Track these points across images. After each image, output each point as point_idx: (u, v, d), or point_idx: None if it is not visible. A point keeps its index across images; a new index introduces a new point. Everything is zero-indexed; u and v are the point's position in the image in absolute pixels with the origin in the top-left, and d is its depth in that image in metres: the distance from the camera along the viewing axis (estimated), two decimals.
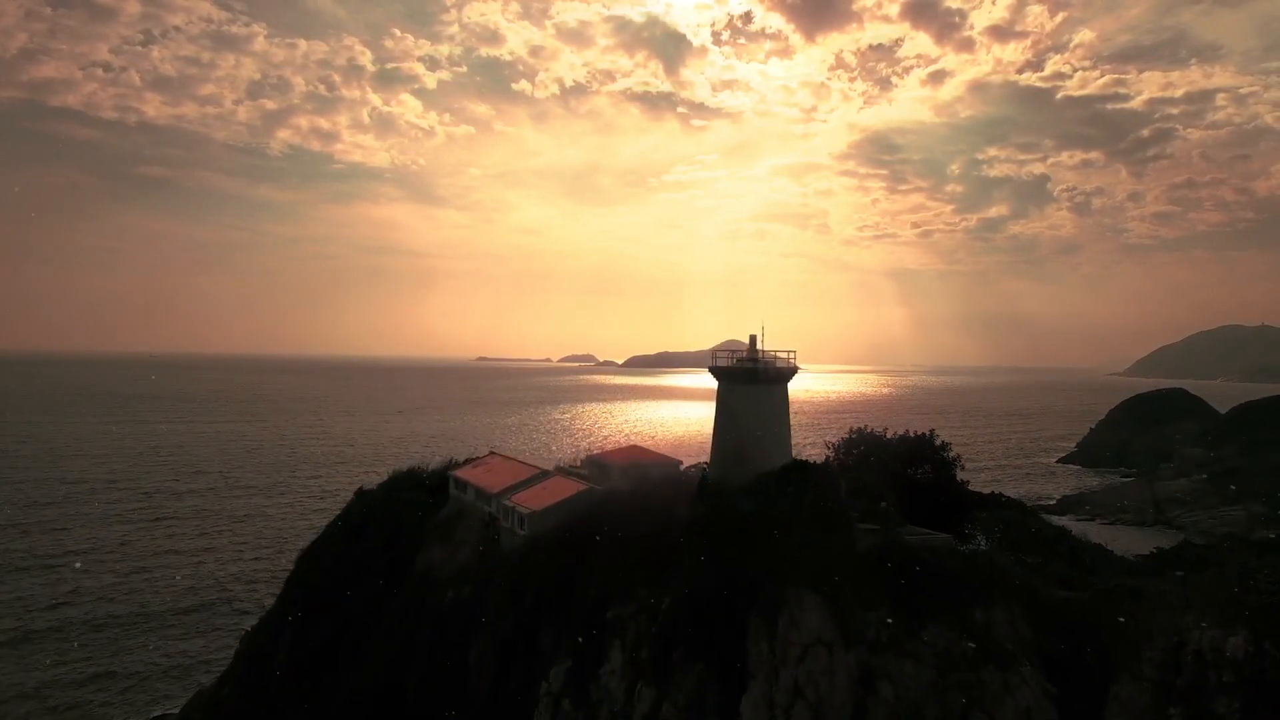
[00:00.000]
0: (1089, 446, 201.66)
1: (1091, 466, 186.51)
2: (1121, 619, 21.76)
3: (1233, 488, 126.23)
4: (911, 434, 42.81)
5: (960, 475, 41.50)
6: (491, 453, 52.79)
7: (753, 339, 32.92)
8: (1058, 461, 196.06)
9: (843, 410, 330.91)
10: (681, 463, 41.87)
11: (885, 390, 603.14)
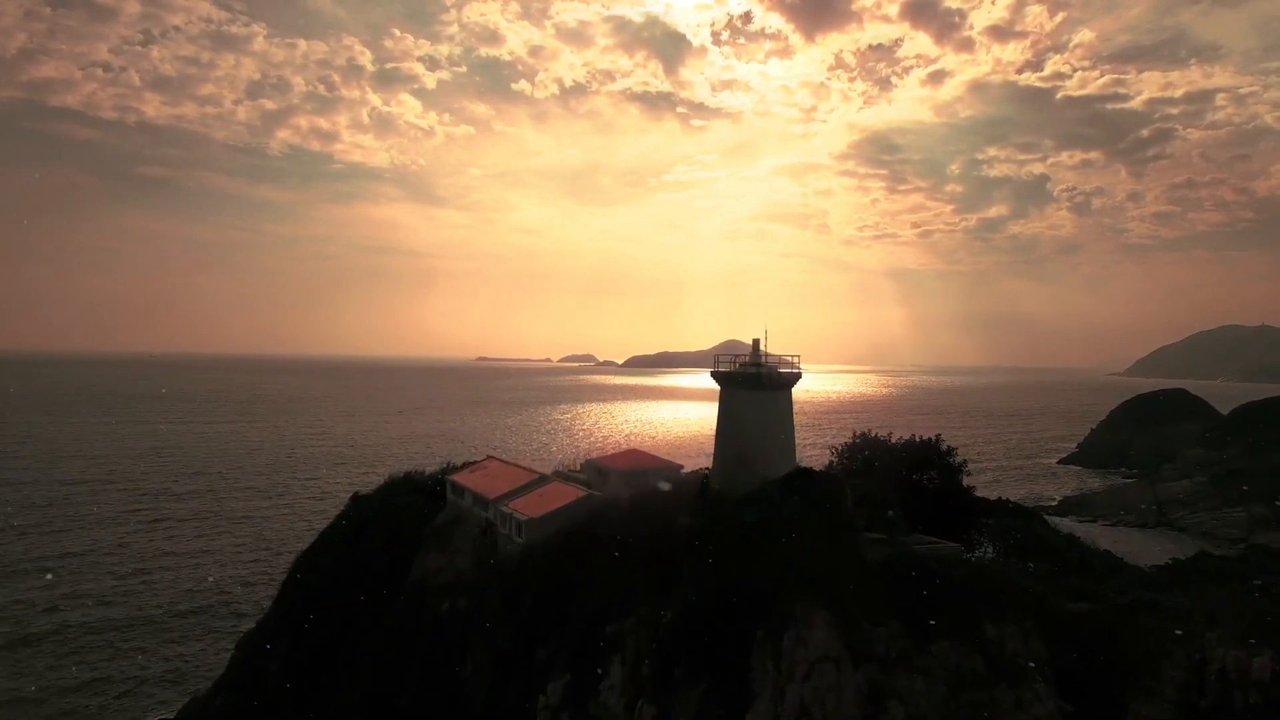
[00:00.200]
0: (1090, 447, 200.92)
1: (1093, 467, 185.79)
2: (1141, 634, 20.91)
3: (1245, 488, 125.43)
4: (917, 439, 42.03)
5: (964, 479, 40.71)
6: (489, 457, 52.01)
7: (756, 343, 32.14)
8: (1059, 462, 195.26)
9: (843, 411, 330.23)
10: (682, 467, 41.16)
11: (885, 390, 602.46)
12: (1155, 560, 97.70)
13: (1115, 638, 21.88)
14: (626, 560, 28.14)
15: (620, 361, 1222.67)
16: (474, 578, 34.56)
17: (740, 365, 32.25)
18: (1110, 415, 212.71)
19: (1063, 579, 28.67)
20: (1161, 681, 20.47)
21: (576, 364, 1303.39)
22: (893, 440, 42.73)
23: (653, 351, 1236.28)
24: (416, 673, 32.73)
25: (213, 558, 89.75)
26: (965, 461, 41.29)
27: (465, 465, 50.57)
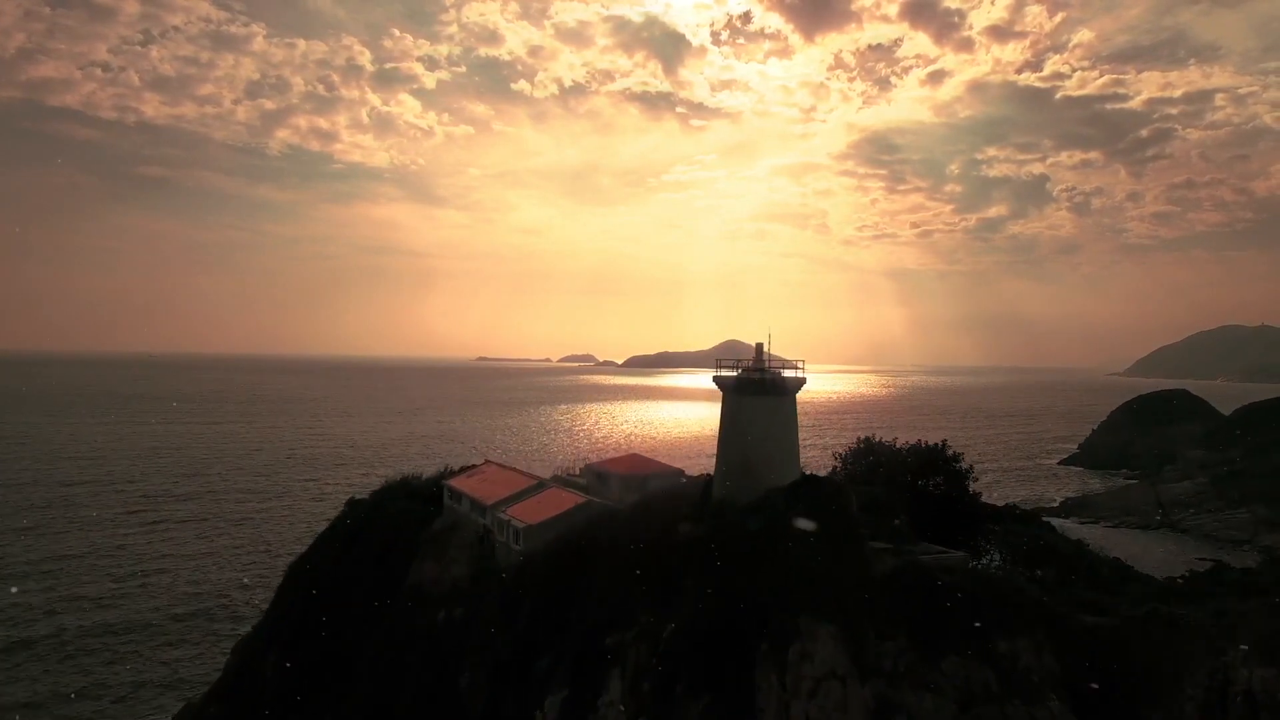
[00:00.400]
0: (1091, 448, 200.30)
1: (1094, 468, 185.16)
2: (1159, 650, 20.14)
3: (1247, 489, 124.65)
4: (923, 444, 41.30)
5: (970, 485, 40.01)
6: (487, 461, 51.34)
7: (759, 348, 31.40)
8: (1060, 463, 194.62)
9: (843, 412, 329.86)
10: (684, 473, 40.48)
11: (885, 391, 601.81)
12: (1158, 562, 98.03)
13: (1131, 653, 21.14)
14: (626, 569, 27.43)
15: (620, 362, 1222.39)
16: (471, 586, 33.86)
17: (744, 370, 31.52)
18: (1111, 416, 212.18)
19: (1073, 589, 27.98)
20: (1182, 700, 19.73)
21: (576, 364, 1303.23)
22: (898, 445, 42.02)
23: (652, 351, 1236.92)
24: (413, 683, 32.04)
25: (211, 560, 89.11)
26: (971, 467, 40.58)
27: (463, 470, 49.88)
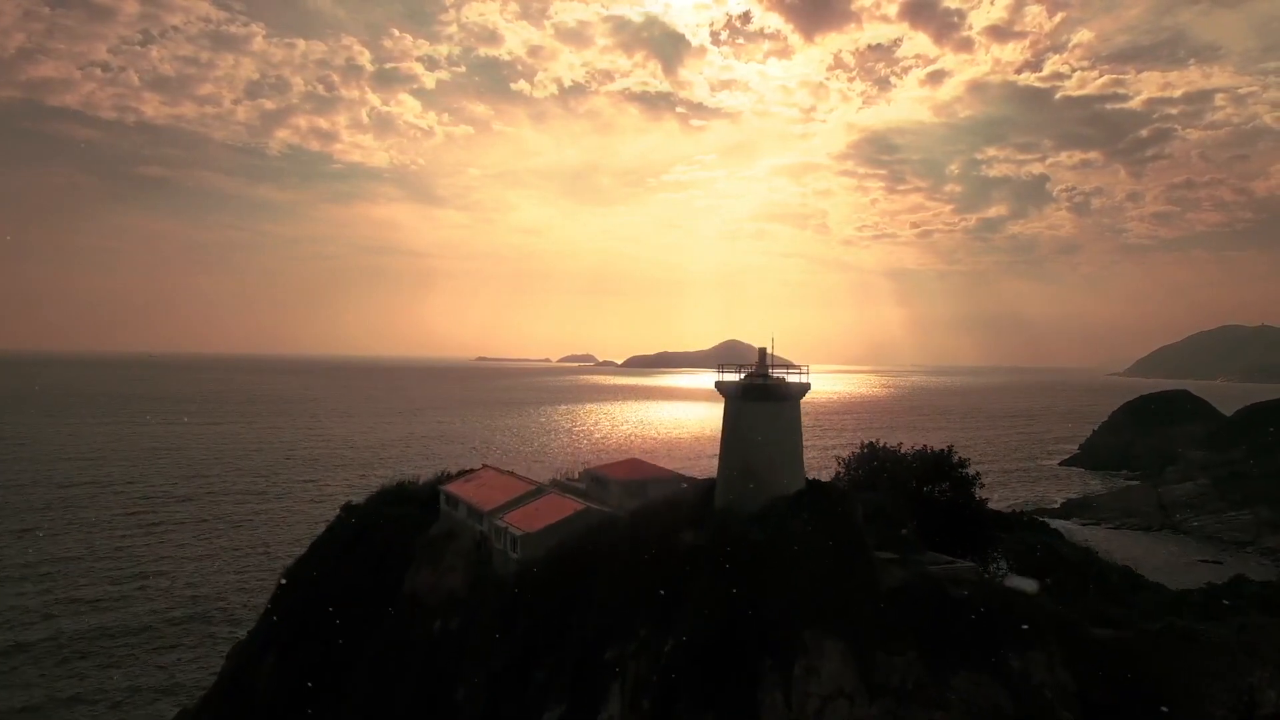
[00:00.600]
0: (1092, 448, 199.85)
1: (1094, 469, 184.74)
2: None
3: (1256, 491, 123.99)
4: (929, 449, 40.60)
5: (976, 491, 39.30)
6: (485, 466, 50.59)
7: (762, 352, 30.69)
8: (1060, 464, 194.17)
9: (843, 412, 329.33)
10: (684, 479, 39.80)
11: (885, 391, 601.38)
12: (1161, 564, 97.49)
13: (1149, 670, 20.42)
14: (626, 580, 26.74)
15: (620, 362, 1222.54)
16: (468, 595, 33.18)
17: (747, 375, 30.83)
18: (1112, 416, 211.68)
19: (1084, 599, 27.28)
20: None
21: (576, 364, 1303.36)
22: (902, 450, 41.33)
23: (652, 352, 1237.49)
24: (408, 695, 31.36)
25: (210, 562, 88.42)
26: (979, 474, 39.90)
27: (460, 474, 49.11)
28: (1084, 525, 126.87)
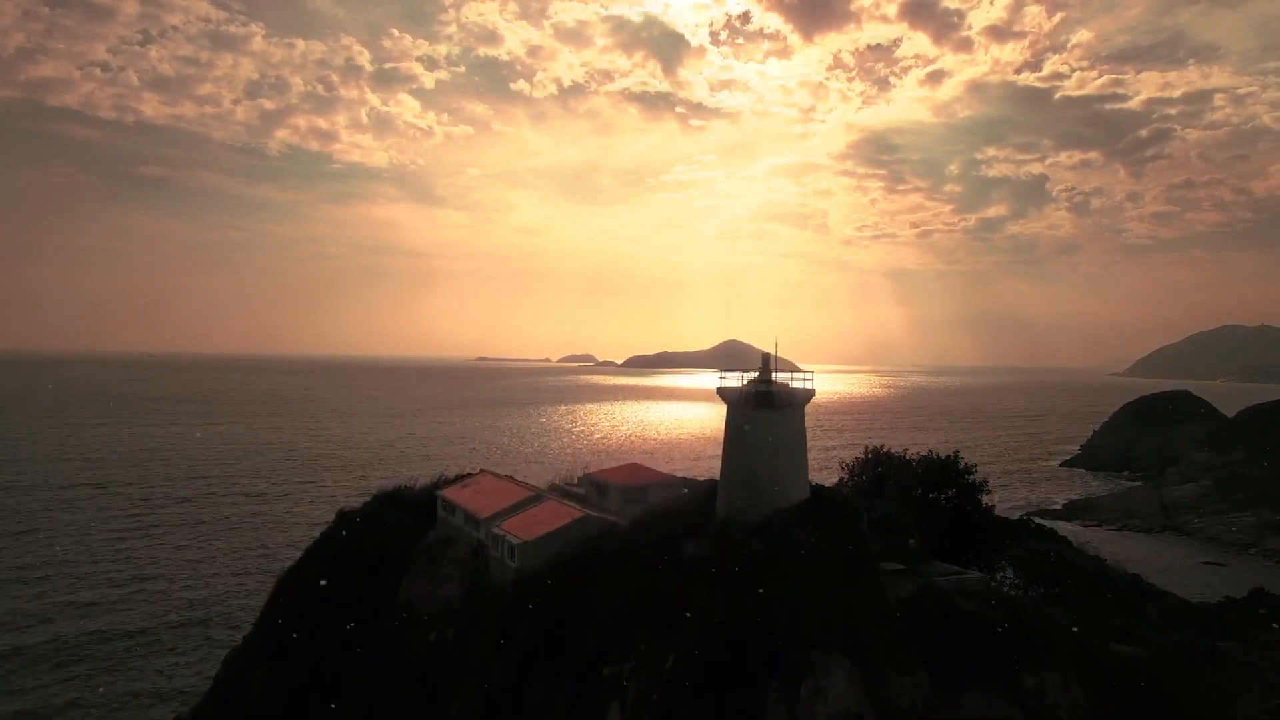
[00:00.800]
0: (1093, 449, 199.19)
1: (1095, 470, 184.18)
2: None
3: (1259, 493, 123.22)
4: (935, 455, 39.88)
5: (983, 498, 38.59)
6: (482, 471, 49.84)
7: (765, 358, 29.93)
8: (1061, 465, 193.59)
9: (843, 413, 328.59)
10: (684, 485, 39.11)
11: (885, 391, 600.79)
12: (1165, 566, 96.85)
13: (1169, 690, 19.65)
14: (626, 592, 26.01)
15: (620, 362, 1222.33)
16: (463, 605, 32.43)
17: (750, 382, 30.06)
18: (1113, 417, 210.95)
19: (1097, 611, 26.52)
20: None
21: (576, 364, 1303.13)
22: (908, 455, 40.60)
23: (652, 352, 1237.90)
24: (402, 709, 30.61)
25: (209, 565, 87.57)
26: (986, 480, 39.18)
27: (458, 479, 48.42)
28: (1086, 527, 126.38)
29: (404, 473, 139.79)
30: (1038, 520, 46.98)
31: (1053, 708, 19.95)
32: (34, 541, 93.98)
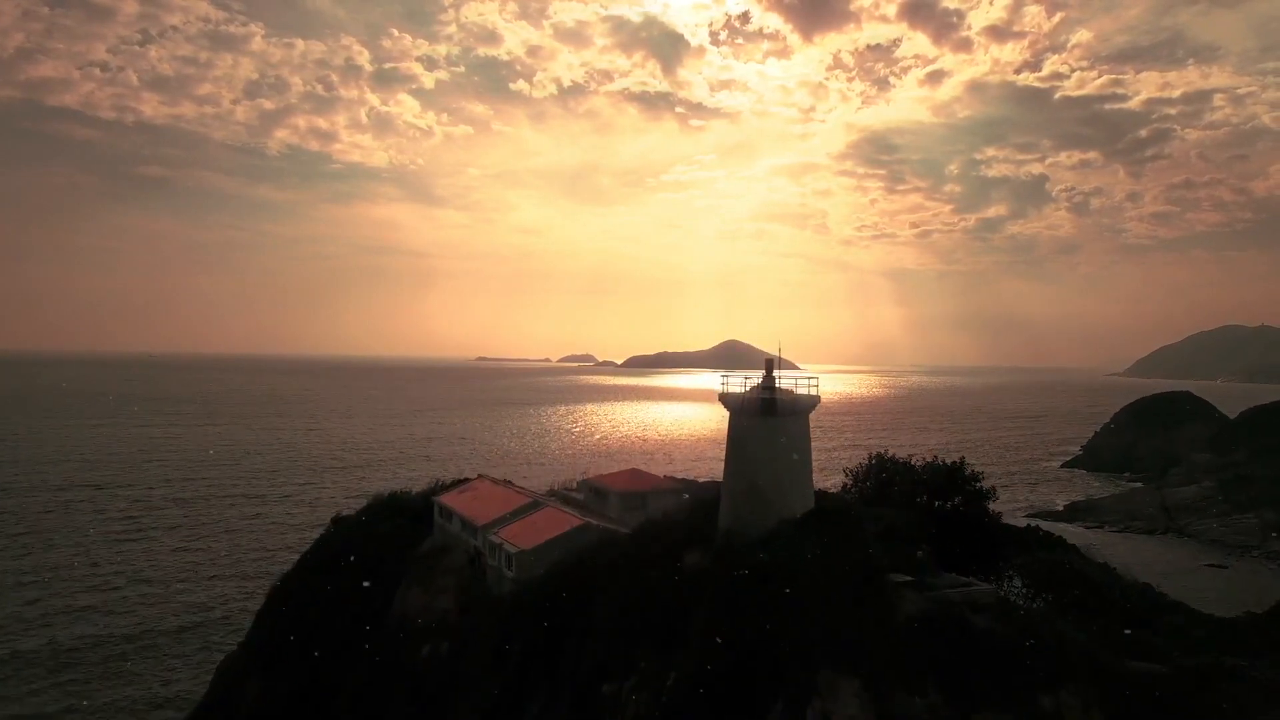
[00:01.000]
0: (1094, 450, 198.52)
1: (1097, 470, 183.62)
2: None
3: (1262, 494, 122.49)
4: (941, 461, 39.15)
5: (990, 505, 37.86)
6: (480, 476, 49.10)
7: (769, 364, 29.11)
8: (1062, 466, 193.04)
9: (843, 413, 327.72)
10: (685, 493, 38.41)
11: (885, 391, 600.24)
12: (1168, 569, 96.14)
13: (1192, 712, 18.88)
14: (626, 605, 25.26)
15: (619, 362, 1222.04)
16: (459, 617, 31.65)
17: (752, 388, 29.25)
18: (1114, 417, 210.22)
19: (1108, 623, 25.79)
20: None
21: (576, 364, 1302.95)
22: (913, 461, 39.86)
23: (652, 352, 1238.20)
24: None
25: (208, 569, 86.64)
26: (994, 488, 38.43)
27: (455, 484, 47.72)
28: (1088, 529, 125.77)
29: (404, 474, 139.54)
30: (1045, 528, 46.18)
31: None
32: (32, 544, 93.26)
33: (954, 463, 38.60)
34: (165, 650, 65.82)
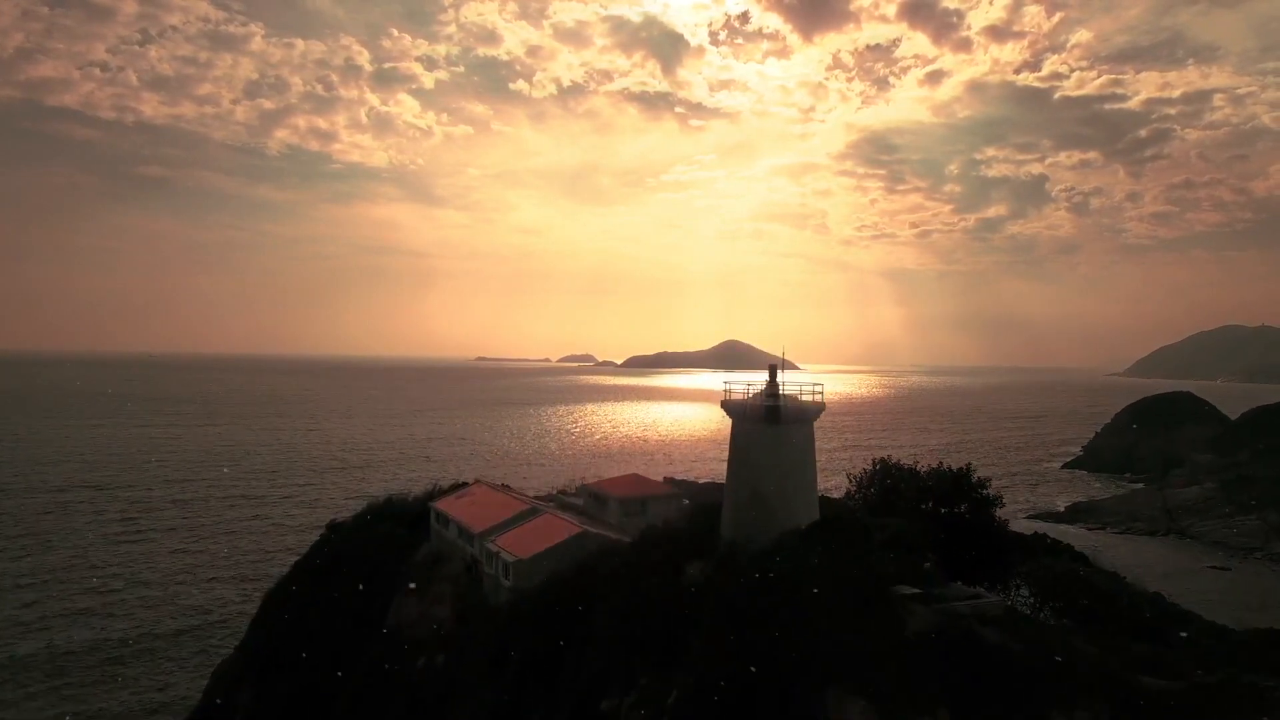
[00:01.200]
0: (1095, 451, 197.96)
1: (1098, 471, 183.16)
2: None
3: (1264, 495, 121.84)
4: (946, 468, 38.53)
5: (997, 512, 37.23)
6: (477, 481, 48.45)
7: (772, 370, 28.43)
8: (1063, 467, 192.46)
9: (843, 413, 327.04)
10: (686, 499, 37.83)
11: (885, 391, 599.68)
12: (1172, 570, 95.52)
13: None
14: (626, 617, 24.63)
15: (619, 362, 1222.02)
16: (455, 628, 31.02)
17: (755, 395, 28.57)
18: (1115, 418, 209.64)
19: (1119, 635, 25.17)
20: None
21: (575, 364, 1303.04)
22: (918, 467, 39.25)
23: (651, 352, 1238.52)
24: None
25: (206, 571, 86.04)
26: (1000, 495, 37.82)
27: (452, 488, 47.06)
28: (1091, 530, 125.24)
29: (403, 475, 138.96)
30: (1047, 531, 45.58)
31: None
32: (31, 546, 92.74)
33: (960, 469, 38.00)
34: (162, 654, 65.33)
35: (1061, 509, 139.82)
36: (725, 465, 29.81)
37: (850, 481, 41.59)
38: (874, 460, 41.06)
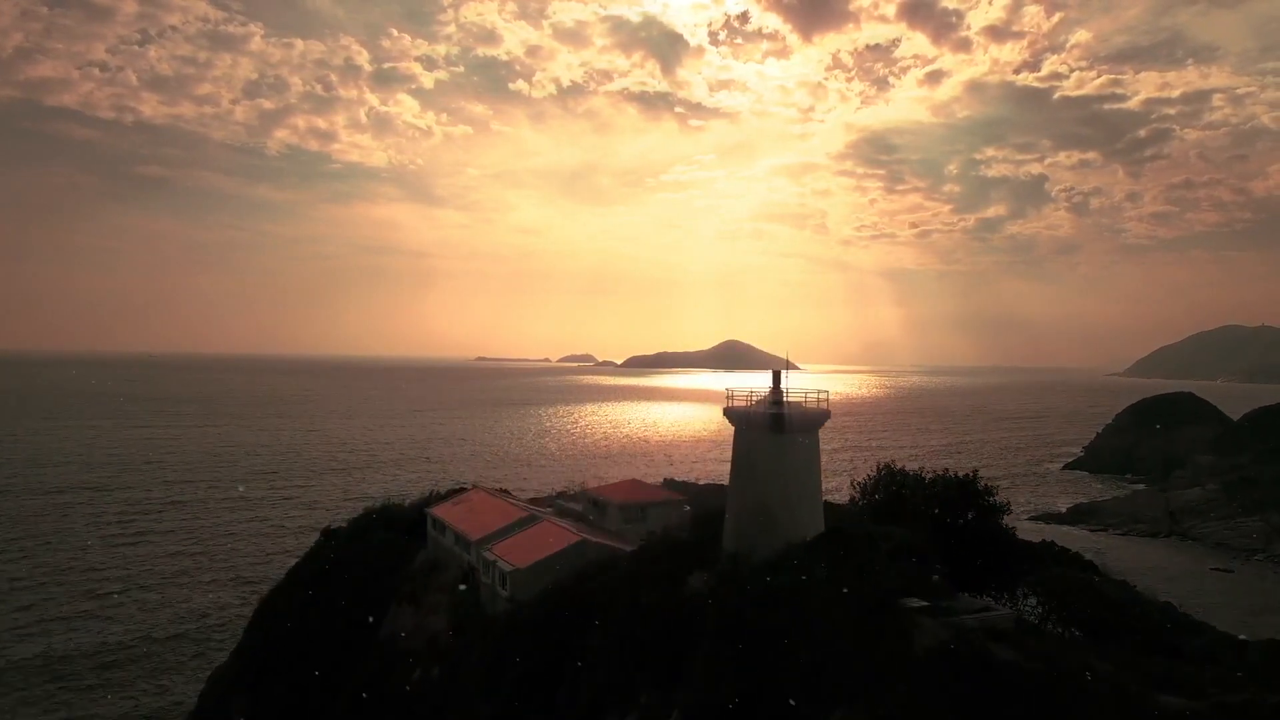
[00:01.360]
0: (1096, 452, 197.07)
1: (1099, 472, 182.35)
2: None
3: (1266, 497, 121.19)
4: (952, 474, 37.87)
5: (1004, 519, 36.60)
6: (475, 487, 47.81)
7: (776, 376, 27.76)
8: (1064, 468, 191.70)
9: (843, 414, 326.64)
10: (687, 505, 37.24)
11: (884, 391, 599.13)
12: (1176, 573, 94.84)
13: None
14: (626, 632, 24.00)
15: (619, 362, 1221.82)
16: (452, 639, 30.38)
17: (759, 403, 27.88)
18: (1116, 419, 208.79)
19: (1131, 648, 24.54)
20: None
21: (575, 364, 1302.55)
22: (924, 474, 38.61)
23: (651, 352, 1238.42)
24: None
25: (205, 574, 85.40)
26: (1008, 502, 37.17)
27: (450, 493, 46.44)
28: (1093, 531, 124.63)
29: (403, 476, 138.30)
30: (1051, 535, 44.99)
31: None
32: (30, 547, 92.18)
33: (966, 476, 37.36)
34: (159, 659, 64.73)
35: (1063, 510, 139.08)
36: (726, 466, 29.17)
37: (854, 487, 40.97)
38: (878, 465, 40.44)
